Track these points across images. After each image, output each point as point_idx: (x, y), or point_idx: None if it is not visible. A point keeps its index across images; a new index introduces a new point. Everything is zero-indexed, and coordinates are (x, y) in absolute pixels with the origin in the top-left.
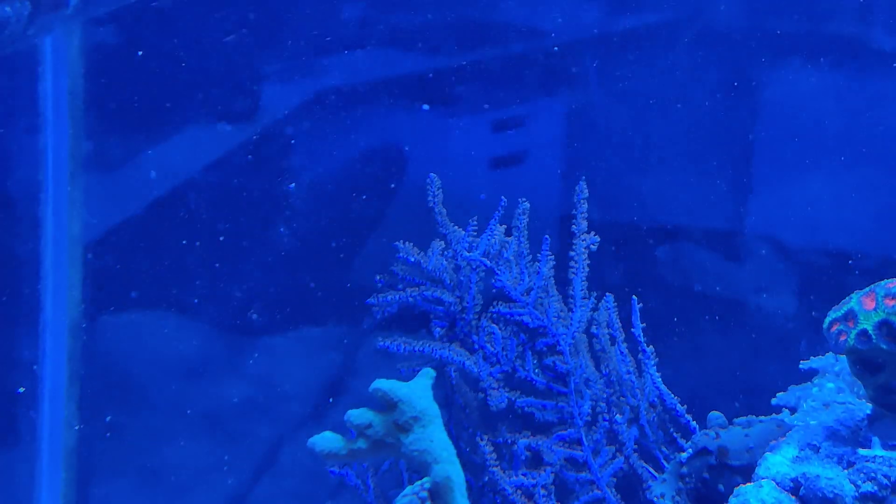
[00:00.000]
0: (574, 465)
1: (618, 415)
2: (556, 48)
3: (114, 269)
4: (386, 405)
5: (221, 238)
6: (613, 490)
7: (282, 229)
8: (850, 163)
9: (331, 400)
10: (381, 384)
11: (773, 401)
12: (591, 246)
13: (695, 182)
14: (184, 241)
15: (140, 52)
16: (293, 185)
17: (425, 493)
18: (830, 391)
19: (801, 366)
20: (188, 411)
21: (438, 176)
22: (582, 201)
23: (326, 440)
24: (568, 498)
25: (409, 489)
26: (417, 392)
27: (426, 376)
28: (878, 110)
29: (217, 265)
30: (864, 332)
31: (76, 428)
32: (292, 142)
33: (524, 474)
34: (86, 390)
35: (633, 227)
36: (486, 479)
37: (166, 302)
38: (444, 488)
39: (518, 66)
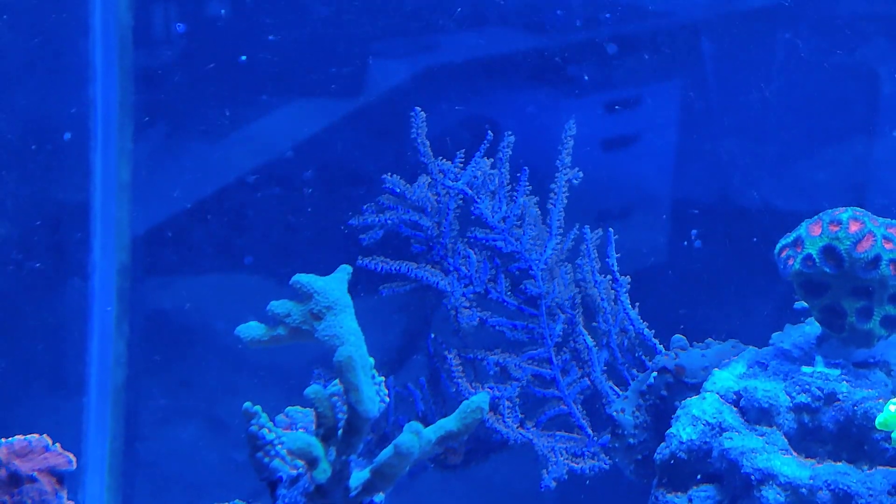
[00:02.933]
0: (542, 382)
1: (588, 338)
2: (665, 31)
3: (159, 217)
4: (304, 296)
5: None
6: (580, 406)
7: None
8: None
9: None
10: (300, 277)
11: (771, 340)
12: (574, 180)
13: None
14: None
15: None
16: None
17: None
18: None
19: (795, 305)
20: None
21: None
22: (568, 138)
23: (250, 328)
24: (535, 413)
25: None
26: (332, 284)
27: (343, 271)
28: None
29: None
30: (808, 257)
31: (124, 368)
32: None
33: (490, 387)
34: (134, 332)
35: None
36: (453, 390)
37: (215, 247)
38: (346, 366)
39: (629, 49)
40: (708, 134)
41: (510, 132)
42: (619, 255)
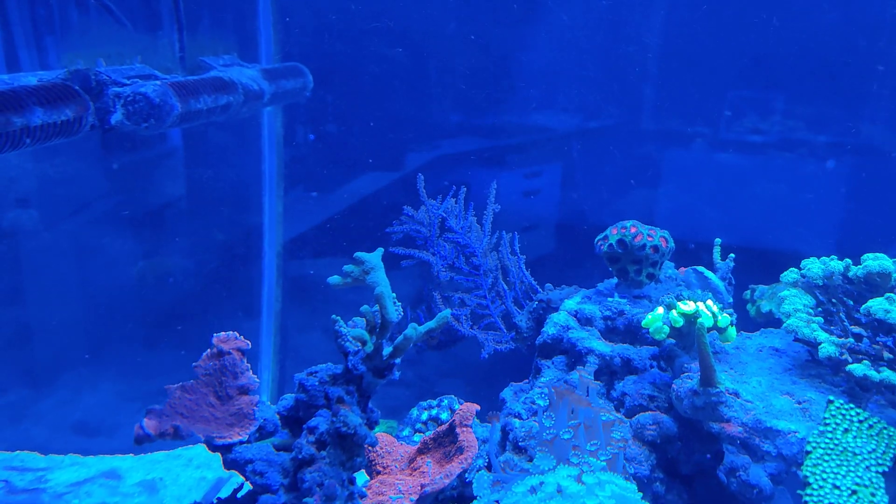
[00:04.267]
0: (481, 307)
1: (505, 286)
2: (553, 137)
3: (296, 230)
4: (359, 262)
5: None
6: (501, 319)
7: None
8: None
9: None
10: (358, 253)
11: (596, 287)
12: (495, 210)
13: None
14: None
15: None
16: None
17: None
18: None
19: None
20: None
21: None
22: (493, 190)
23: (333, 279)
24: (478, 322)
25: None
26: (374, 256)
27: (378, 251)
28: None
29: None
30: (610, 244)
31: (279, 303)
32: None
33: (455, 311)
34: (285, 286)
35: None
36: (437, 311)
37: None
38: (379, 295)
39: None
40: (573, 189)
41: (465, 187)
42: (520, 246)
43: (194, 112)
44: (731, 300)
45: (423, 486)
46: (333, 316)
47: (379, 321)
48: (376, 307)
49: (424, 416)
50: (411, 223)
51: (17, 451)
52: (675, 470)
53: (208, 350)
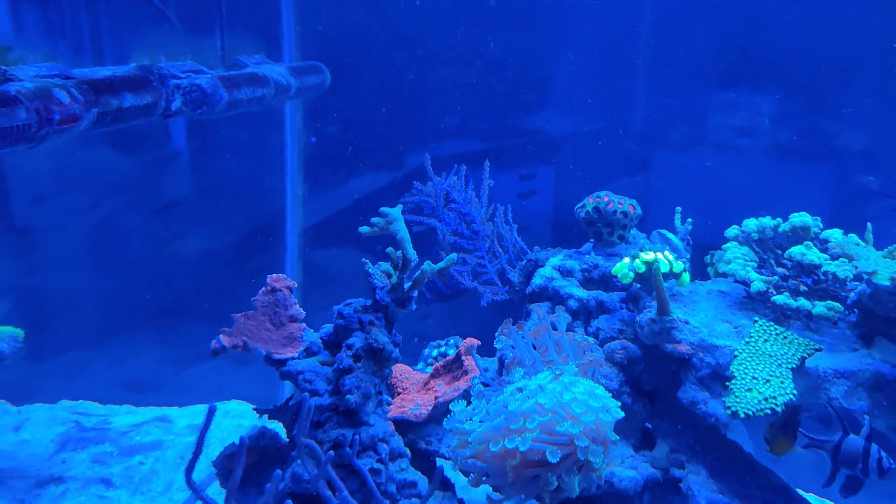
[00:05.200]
0: (480, 265)
1: (500, 248)
2: (548, 139)
3: (315, 216)
4: (384, 215)
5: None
6: (496, 276)
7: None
8: None
9: None
10: (384, 209)
11: (580, 249)
12: (490, 181)
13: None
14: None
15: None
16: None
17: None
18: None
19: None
20: None
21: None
22: (488, 178)
23: (364, 229)
24: (478, 278)
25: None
26: (395, 211)
27: (399, 207)
28: None
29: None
30: (587, 210)
31: (300, 278)
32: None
33: (459, 268)
34: (305, 263)
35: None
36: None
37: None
38: (401, 239)
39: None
40: (564, 188)
41: (464, 165)
42: (518, 226)
43: (237, 101)
44: (688, 256)
45: (436, 398)
46: (363, 259)
47: (401, 260)
48: (398, 252)
49: (435, 353)
50: (420, 195)
51: (80, 400)
52: (639, 387)
53: (264, 287)
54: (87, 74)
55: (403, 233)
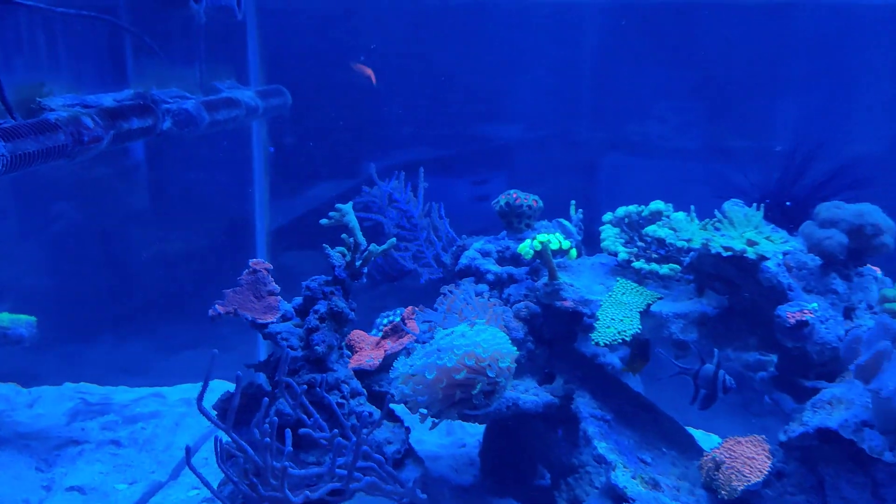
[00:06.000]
0: (420, 251)
1: (435, 237)
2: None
3: (281, 218)
4: (339, 210)
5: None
6: (433, 259)
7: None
8: None
9: None
10: (338, 205)
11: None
12: (425, 183)
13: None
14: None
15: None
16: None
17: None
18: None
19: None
20: None
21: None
22: (423, 181)
23: (324, 221)
24: (417, 262)
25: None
26: (347, 206)
27: (350, 204)
28: None
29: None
30: (501, 205)
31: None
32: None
33: (399, 254)
34: (271, 258)
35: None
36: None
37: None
38: (352, 228)
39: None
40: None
41: (402, 174)
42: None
43: (216, 121)
44: (580, 238)
45: (385, 351)
46: (324, 244)
47: (353, 244)
48: (351, 238)
49: (385, 321)
50: (368, 196)
51: (81, 382)
52: (541, 336)
53: (247, 269)
54: (97, 101)
55: (354, 223)
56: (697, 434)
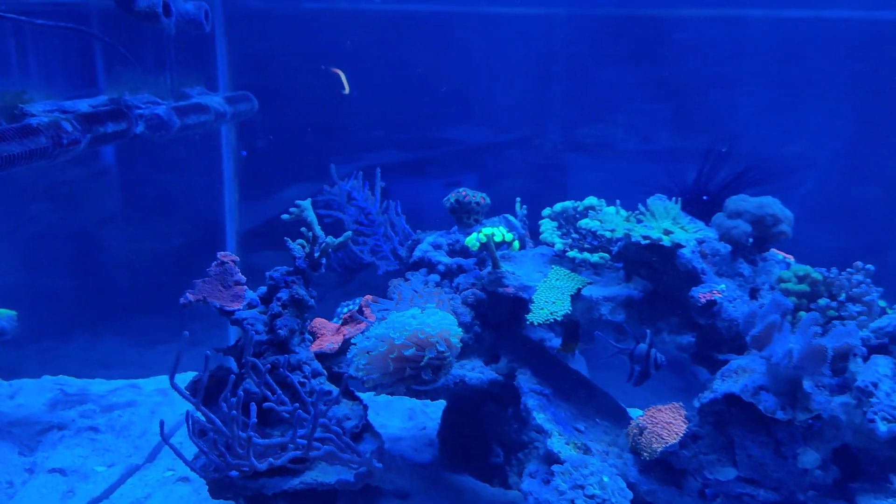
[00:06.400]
0: (377, 245)
1: (392, 233)
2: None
3: (250, 221)
4: (298, 206)
5: None
6: (390, 253)
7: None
8: None
9: None
10: (298, 201)
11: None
12: (382, 183)
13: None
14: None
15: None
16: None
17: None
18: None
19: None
20: None
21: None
22: (381, 181)
23: (284, 217)
24: (376, 255)
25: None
26: (306, 203)
27: (309, 200)
28: None
29: None
30: (451, 202)
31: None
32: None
33: (358, 248)
34: (244, 263)
35: None
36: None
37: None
38: (311, 224)
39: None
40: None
41: (360, 173)
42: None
43: (186, 126)
44: (524, 232)
45: (344, 337)
46: (285, 238)
47: (311, 237)
48: (310, 232)
49: (345, 310)
50: (329, 195)
51: (60, 375)
52: (487, 320)
53: (215, 261)
54: (74, 107)
55: (312, 218)
56: (639, 413)
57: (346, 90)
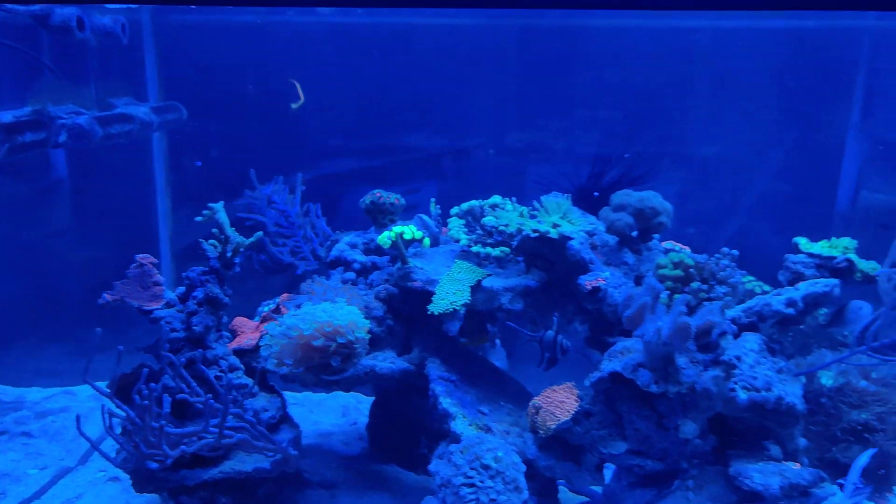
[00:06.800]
0: (297, 246)
1: (313, 234)
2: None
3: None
4: (210, 208)
5: None
6: (310, 253)
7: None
8: None
9: None
10: (210, 204)
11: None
12: (302, 186)
13: None
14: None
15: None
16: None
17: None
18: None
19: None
20: None
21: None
22: (301, 184)
23: (199, 218)
24: (297, 256)
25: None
26: (218, 205)
27: (220, 203)
28: None
29: None
30: (367, 203)
31: (173, 262)
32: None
33: (278, 249)
34: (177, 267)
35: None
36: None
37: None
38: (221, 223)
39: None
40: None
41: (280, 177)
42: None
43: (110, 135)
44: (437, 230)
45: (262, 333)
46: (199, 239)
47: (223, 237)
48: (223, 234)
49: (266, 309)
50: (249, 199)
51: None
52: (399, 314)
53: (134, 263)
54: None
55: (224, 220)
56: None
57: (301, 101)
